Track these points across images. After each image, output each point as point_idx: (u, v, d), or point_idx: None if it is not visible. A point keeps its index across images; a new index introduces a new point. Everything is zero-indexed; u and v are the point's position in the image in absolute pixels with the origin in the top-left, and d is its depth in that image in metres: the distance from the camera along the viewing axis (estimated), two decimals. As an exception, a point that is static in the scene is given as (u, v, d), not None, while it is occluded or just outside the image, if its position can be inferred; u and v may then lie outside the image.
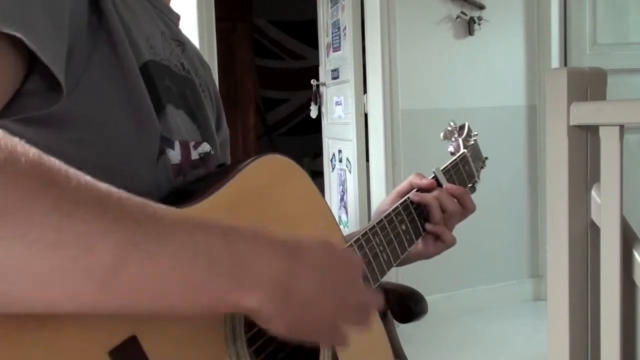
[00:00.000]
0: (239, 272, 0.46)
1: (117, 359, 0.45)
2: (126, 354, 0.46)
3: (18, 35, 0.46)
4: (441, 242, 0.93)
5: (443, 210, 0.91)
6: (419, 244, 0.93)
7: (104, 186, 0.41)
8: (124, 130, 0.59)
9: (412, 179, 0.95)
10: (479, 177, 1.08)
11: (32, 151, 0.39)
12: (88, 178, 0.40)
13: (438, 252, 0.94)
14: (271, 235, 0.50)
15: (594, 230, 1.26)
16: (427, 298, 1.14)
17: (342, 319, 0.55)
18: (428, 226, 0.91)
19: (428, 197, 0.91)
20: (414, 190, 0.93)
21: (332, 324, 0.54)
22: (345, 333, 0.56)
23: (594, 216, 1.25)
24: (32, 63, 0.49)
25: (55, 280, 0.37)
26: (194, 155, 0.69)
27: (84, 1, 0.56)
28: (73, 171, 0.40)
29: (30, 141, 0.54)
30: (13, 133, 0.53)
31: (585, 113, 1.22)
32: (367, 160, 3.15)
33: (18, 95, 0.50)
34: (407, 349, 1.08)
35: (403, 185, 0.96)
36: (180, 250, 0.42)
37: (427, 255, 0.95)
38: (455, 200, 0.93)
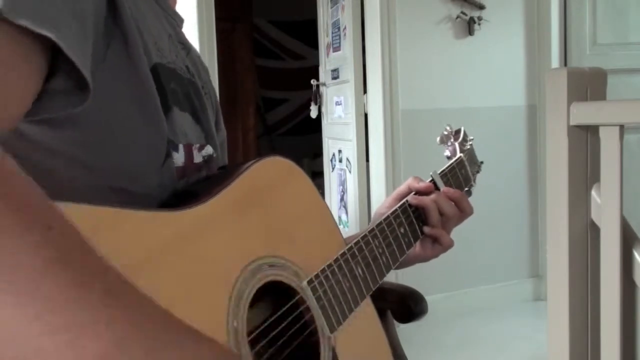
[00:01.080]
0: None
1: None
2: None
3: (51, 37, 0.46)
4: (439, 245, 0.93)
5: (441, 213, 0.91)
6: (416, 247, 0.93)
7: (114, 271, 0.40)
8: (133, 132, 0.59)
9: (410, 182, 0.95)
10: (474, 181, 1.09)
11: (59, 215, 0.37)
12: (99, 255, 0.39)
13: (436, 255, 0.95)
14: None
15: (594, 230, 1.26)
16: (427, 298, 1.14)
17: None
18: (426, 229, 0.91)
19: (426, 200, 0.91)
20: (412, 193, 0.93)
21: None
22: None
23: (594, 216, 1.25)
24: (54, 61, 0.49)
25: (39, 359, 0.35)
26: (198, 158, 0.70)
27: (103, 1, 0.56)
28: (88, 246, 0.39)
29: (38, 142, 0.54)
30: (22, 134, 0.53)
31: (585, 113, 1.22)
32: (367, 160, 3.15)
33: (42, 94, 0.49)
34: (407, 349, 1.08)
35: (402, 188, 0.96)
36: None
37: (425, 258, 0.95)
38: (453, 203, 0.93)
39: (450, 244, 0.93)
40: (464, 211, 0.94)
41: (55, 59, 0.49)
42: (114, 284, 0.39)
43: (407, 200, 0.91)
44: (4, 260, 0.34)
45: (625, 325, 1.18)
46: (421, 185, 0.93)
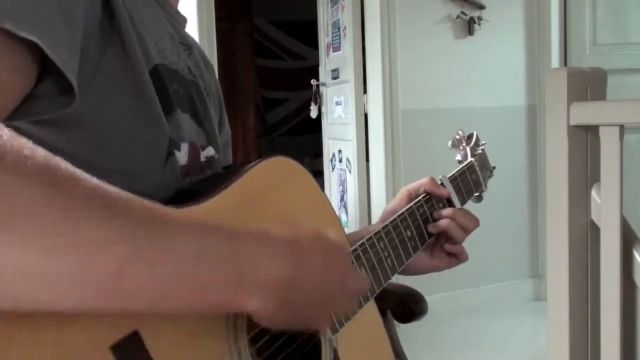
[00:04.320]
0: (242, 276, 0.47)
1: (118, 354, 0.45)
2: (128, 349, 0.46)
3: (34, 39, 0.46)
4: (456, 259, 0.93)
5: (462, 228, 0.91)
6: (431, 260, 0.93)
7: (111, 189, 0.41)
8: (133, 132, 0.60)
9: (428, 185, 0.93)
10: (486, 186, 1.08)
11: (40, 153, 0.39)
12: (95, 181, 0.41)
13: (450, 267, 0.95)
14: (274, 235, 0.51)
15: (594, 230, 1.26)
16: (427, 298, 1.14)
17: (335, 309, 0.61)
18: (448, 247, 0.91)
19: (443, 224, 0.90)
20: (422, 197, 0.92)
21: (326, 315, 0.59)
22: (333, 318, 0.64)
23: (594, 216, 1.25)
24: (44, 65, 0.49)
25: (60, 284, 0.37)
26: (201, 157, 0.70)
27: (97, 3, 0.56)
28: (80, 174, 0.40)
29: (40, 141, 0.54)
30: (23, 133, 0.54)
31: (585, 113, 1.22)
32: (367, 160, 3.15)
33: (30, 97, 0.50)
34: (407, 349, 1.08)
35: (413, 186, 0.95)
36: (184, 255, 0.43)
37: (438, 270, 0.96)
38: (468, 213, 0.93)
39: (467, 257, 0.93)
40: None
41: (45, 62, 0.49)
42: (112, 198, 0.41)
43: (414, 204, 0.90)
44: None
45: (625, 325, 1.18)
46: (442, 190, 0.93)
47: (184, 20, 0.78)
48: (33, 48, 0.47)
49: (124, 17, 0.59)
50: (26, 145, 0.38)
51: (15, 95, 0.48)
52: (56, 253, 0.36)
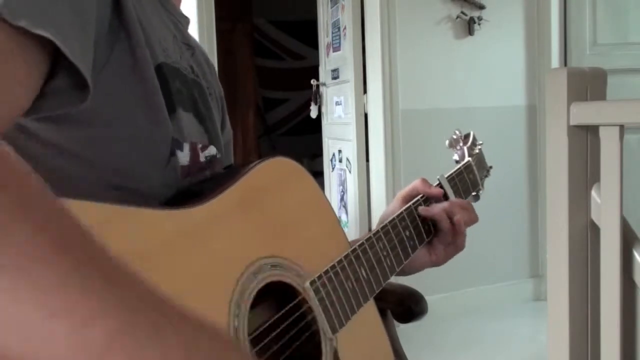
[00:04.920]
0: None
1: None
2: None
3: (48, 36, 0.46)
4: (454, 248, 0.93)
5: (452, 221, 0.90)
6: (428, 255, 0.93)
7: (114, 258, 0.39)
8: (138, 131, 0.60)
9: (419, 185, 0.93)
10: (483, 186, 1.08)
11: (58, 203, 0.37)
12: (100, 243, 0.39)
13: (448, 258, 0.94)
14: None
15: (594, 230, 1.26)
16: (427, 298, 1.14)
17: None
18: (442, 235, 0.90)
19: (434, 209, 0.89)
20: (420, 197, 0.92)
21: None
22: None
23: (594, 216, 1.26)
24: (56, 61, 0.49)
25: (44, 348, 0.35)
26: (202, 157, 0.70)
27: (107, 0, 0.56)
28: (89, 234, 0.38)
29: (43, 139, 0.55)
30: (28, 131, 0.54)
31: (585, 113, 1.22)
32: (367, 160, 3.15)
33: (42, 94, 0.50)
34: (407, 349, 1.08)
35: (407, 190, 0.95)
36: (173, 348, 0.40)
37: (437, 264, 0.95)
38: (465, 210, 0.92)
39: (464, 245, 0.93)
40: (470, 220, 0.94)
41: (57, 58, 0.49)
42: (115, 273, 0.39)
43: (412, 205, 0.90)
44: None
45: (625, 325, 1.18)
46: (433, 190, 0.92)
47: (187, 21, 0.78)
48: (47, 44, 0.47)
49: (132, 15, 0.59)
50: (42, 191, 0.36)
51: (31, 92, 0.48)
52: (47, 316, 0.34)
